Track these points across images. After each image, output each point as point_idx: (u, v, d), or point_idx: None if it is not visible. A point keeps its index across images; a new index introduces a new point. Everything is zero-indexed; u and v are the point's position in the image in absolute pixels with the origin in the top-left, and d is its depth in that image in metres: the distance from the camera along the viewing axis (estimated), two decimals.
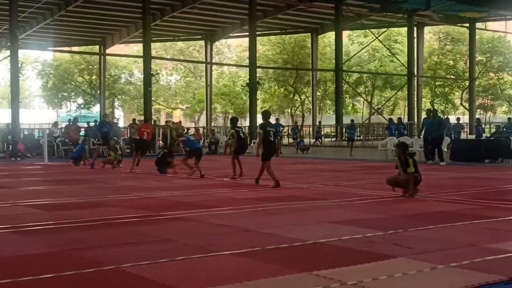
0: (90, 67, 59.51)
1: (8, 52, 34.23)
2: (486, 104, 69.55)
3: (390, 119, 32.65)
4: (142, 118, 38.19)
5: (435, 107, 30.15)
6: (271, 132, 13.32)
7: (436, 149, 20.07)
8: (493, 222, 8.05)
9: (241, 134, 16.17)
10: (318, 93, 55.58)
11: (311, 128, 48.62)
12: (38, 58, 67.42)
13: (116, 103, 66.46)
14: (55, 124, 31.96)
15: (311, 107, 53.20)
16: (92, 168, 19.20)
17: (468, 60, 56.14)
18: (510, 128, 25.15)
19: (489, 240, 6.72)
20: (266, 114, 13.92)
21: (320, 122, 36.30)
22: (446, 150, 20.92)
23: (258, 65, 42.97)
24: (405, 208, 9.55)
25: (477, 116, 53.57)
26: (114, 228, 7.87)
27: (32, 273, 5.33)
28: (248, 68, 40.26)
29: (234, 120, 16.98)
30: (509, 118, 27.40)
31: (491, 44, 62.46)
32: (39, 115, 65.14)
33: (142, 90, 37.93)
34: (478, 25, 52.81)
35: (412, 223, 7.95)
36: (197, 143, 17.83)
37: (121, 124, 55.19)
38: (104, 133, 22.08)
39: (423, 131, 21.30)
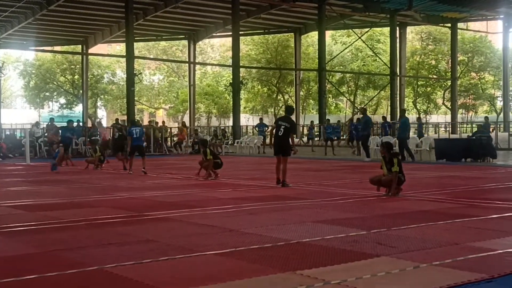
0: (72, 66, 59.14)
1: None
2: (467, 104, 70.14)
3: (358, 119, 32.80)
4: (125, 118, 38.05)
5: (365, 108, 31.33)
6: (282, 127, 12.84)
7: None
8: (475, 221, 8.12)
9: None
10: (301, 93, 55.72)
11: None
12: (20, 57, 66.94)
13: (99, 103, 66.11)
14: (37, 124, 31.72)
15: (294, 106, 53.29)
16: (54, 170, 18.67)
17: (450, 60, 56.61)
18: (487, 127, 25.33)
19: (471, 239, 6.78)
20: (287, 109, 13.79)
21: (312, 121, 35.94)
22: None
23: (241, 64, 42.99)
24: (388, 207, 9.60)
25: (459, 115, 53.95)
26: (97, 229, 7.83)
27: (15, 274, 5.28)
28: (231, 68, 40.26)
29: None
30: (486, 117, 27.65)
31: (472, 44, 63.01)
32: (20, 115, 64.64)
33: (125, 90, 37.80)
34: (460, 25, 53.29)
35: (395, 222, 7.99)
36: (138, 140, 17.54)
37: (104, 124, 54.85)
38: (67, 137, 22.02)
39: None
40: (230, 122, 46.24)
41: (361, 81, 60.87)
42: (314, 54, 53.43)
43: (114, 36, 46.60)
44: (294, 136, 13.27)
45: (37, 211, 9.54)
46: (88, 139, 27.71)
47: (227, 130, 37.66)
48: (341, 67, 58.33)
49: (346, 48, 55.84)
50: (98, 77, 62.32)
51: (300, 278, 5.10)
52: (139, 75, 41.59)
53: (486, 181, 14.05)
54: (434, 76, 64.01)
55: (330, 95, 61.32)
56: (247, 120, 56.55)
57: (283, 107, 60.17)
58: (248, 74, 58.88)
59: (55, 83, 61.44)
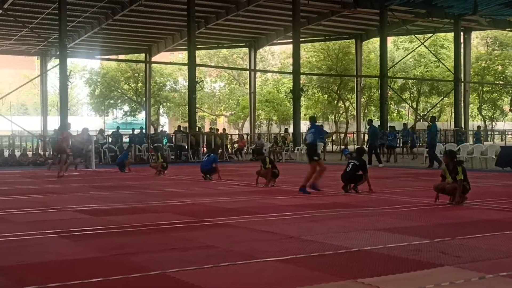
0: (136, 75, 60.40)
1: (57, 61, 34.98)
2: None
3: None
4: (186, 125, 38.57)
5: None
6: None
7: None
8: None
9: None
10: (362, 100, 55.15)
11: (355, 135, 48.25)
12: (86, 66, 68.88)
13: (161, 110, 67.21)
14: (101, 131, 32.55)
15: (355, 113, 52.81)
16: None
17: None
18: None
19: None
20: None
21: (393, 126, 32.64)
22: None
23: (301, 71, 42.90)
24: (451, 216, 9.38)
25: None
26: (159, 234, 7.96)
27: (80, 277, 5.43)
28: (291, 75, 40.24)
29: None
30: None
31: None
32: (86, 122, 66.42)
33: (187, 97, 38.28)
34: None
35: (459, 231, 7.81)
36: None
37: (167, 131, 55.75)
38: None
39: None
40: (290, 129, 46.17)
41: (424, 88, 59.77)
42: (375, 61, 52.82)
43: (176, 44, 47.34)
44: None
45: (102, 216, 9.77)
46: (151, 146, 28.28)
47: (287, 137, 37.65)
48: (403, 73, 57.42)
49: (408, 54, 54.98)
50: (161, 85, 63.40)
51: (361, 287, 5.04)
52: (200, 83, 42.09)
53: None
54: (501, 82, 62.22)
55: (392, 102, 60.46)
56: (308, 127, 56.37)
57: (328, 115, 59.97)
58: (309, 81, 58.72)
59: (119, 91, 62.88)
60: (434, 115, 37.65)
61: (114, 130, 33.34)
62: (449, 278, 5.27)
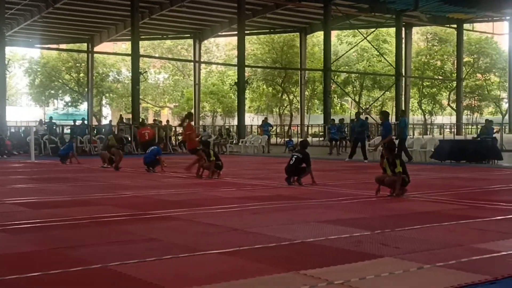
0: (77, 65, 59.23)
1: None
2: (473, 105, 69.98)
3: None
4: (129, 116, 38.13)
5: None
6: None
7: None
8: (479, 222, 8.10)
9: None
10: (306, 93, 55.67)
11: (299, 128, 48.67)
12: (25, 55, 67.08)
13: (103, 101, 66.19)
14: (41, 122, 31.84)
15: (299, 106, 53.29)
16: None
17: (455, 61, 56.49)
18: (489, 129, 24.98)
19: (475, 240, 6.76)
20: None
21: (333, 119, 33.55)
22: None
23: (246, 64, 42.97)
24: (392, 208, 9.58)
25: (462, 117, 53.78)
26: (100, 227, 7.84)
27: (18, 272, 5.28)
28: (236, 67, 40.26)
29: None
30: (487, 120, 27.37)
31: (478, 45, 62.88)
32: (26, 113, 64.78)
33: (130, 88, 37.83)
34: (466, 26, 53.17)
35: (399, 222, 7.98)
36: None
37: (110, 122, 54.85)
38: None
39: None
40: (235, 121, 46.21)
41: (367, 82, 60.81)
42: (319, 54, 53.41)
43: (119, 34, 46.67)
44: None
45: (42, 209, 9.55)
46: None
47: (232, 130, 37.67)
48: (347, 67, 58.27)
49: (351, 48, 55.80)
50: (104, 75, 62.41)
51: (304, 278, 5.09)
52: (144, 74, 41.64)
53: (490, 182, 14.01)
54: (440, 77, 63.89)
55: (335, 95, 61.25)
56: (252, 119, 56.56)
57: (273, 108, 60.07)
58: (254, 73, 58.89)
59: (60, 81, 61.55)
60: (403, 109, 38.29)
61: (47, 121, 32.67)
62: (389, 269, 5.38)
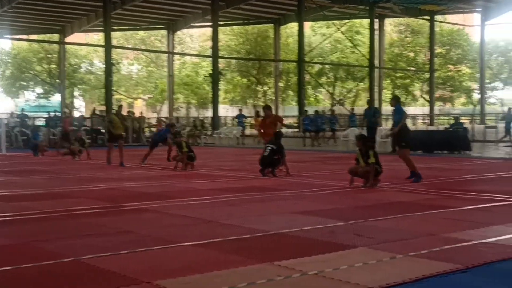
0: (49, 56, 58.36)
1: None
2: (445, 96, 70.68)
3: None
4: (103, 108, 37.81)
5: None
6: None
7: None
8: (451, 212, 8.21)
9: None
10: (280, 84, 55.70)
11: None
12: None
13: (76, 93, 65.46)
14: (12, 114, 31.42)
15: (273, 98, 53.30)
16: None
17: (428, 52, 56.96)
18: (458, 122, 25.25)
19: (447, 230, 6.85)
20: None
21: (306, 110, 33.24)
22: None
23: (220, 55, 42.83)
24: (365, 198, 9.66)
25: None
26: (74, 220, 7.78)
27: None
28: (210, 59, 40.11)
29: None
30: (455, 117, 27.59)
31: (450, 37, 63.42)
32: None
33: (103, 79, 37.47)
34: (438, 17, 53.62)
35: (372, 213, 8.06)
36: None
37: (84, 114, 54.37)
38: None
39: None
40: (209, 113, 46.05)
41: (340, 73, 61.02)
42: (293, 45, 53.38)
43: (91, 25, 46.08)
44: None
45: (14, 202, 9.45)
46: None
47: (206, 121, 37.56)
48: (321, 58, 58.38)
49: (325, 40, 55.89)
50: (76, 66, 61.67)
51: (278, 269, 5.12)
52: (117, 65, 41.30)
53: (462, 172, 14.21)
54: (412, 68, 64.37)
55: (309, 87, 61.38)
56: (226, 111, 56.43)
57: (247, 99, 60.12)
58: (228, 65, 58.69)
59: (31, 72, 60.65)
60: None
61: (19, 113, 32.32)
62: (362, 259, 5.43)
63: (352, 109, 39.05)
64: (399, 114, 12.38)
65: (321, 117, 28.35)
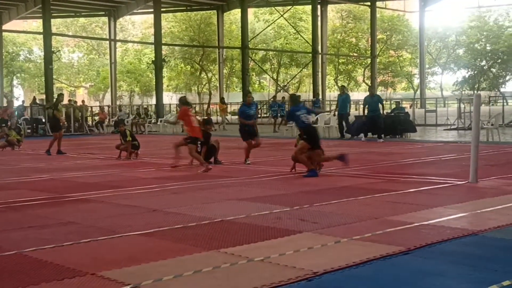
0: None
1: None
2: (387, 81, 72.00)
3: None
4: (43, 97, 36.93)
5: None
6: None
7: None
8: (393, 195, 8.38)
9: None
10: (224, 71, 55.58)
11: (217, 106, 48.54)
12: None
13: (15, 82, 63.72)
14: None
15: (218, 84, 53.16)
16: None
17: (369, 38, 57.78)
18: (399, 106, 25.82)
19: (389, 213, 7.00)
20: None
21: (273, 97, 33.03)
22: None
23: (163, 42, 42.40)
24: (310, 183, 9.77)
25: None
26: (15, 212, 7.60)
27: None
28: (153, 46, 39.66)
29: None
30: (397, 103, 28.08)
31: (391, 23, 64.54)
32: None
33: (43, 67, 36.56)
34: (379, 4, 54.42)
35: (317, 198, 8.15)
36: None
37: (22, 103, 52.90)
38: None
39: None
40: (153, 101, 45.60)
41: (284, 59, 61.32)
42: (237, 32, 53.28)
43: (30, 11, 44.75)
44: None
45: None
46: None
47: (150, 109, 37.18)
48: (264, 45, 58.52)
49: (268, 26, 56.00)
50: (14, 54, 59.99)
51: (224, 256, 5.13)
52: (57, 53, 40.32)
53: (404, 156, 14.50)
54: (355, 54, 65.27)
55: (254, 73, 61.49)
56: (171, 98, 55.98)
57: (191, 86, 59.75)
58: (171, 51, 58.16)
59: None
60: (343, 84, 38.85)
61: None
62: (307, 244, 5.50)
63: (317, 94, 39.65)
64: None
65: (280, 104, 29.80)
